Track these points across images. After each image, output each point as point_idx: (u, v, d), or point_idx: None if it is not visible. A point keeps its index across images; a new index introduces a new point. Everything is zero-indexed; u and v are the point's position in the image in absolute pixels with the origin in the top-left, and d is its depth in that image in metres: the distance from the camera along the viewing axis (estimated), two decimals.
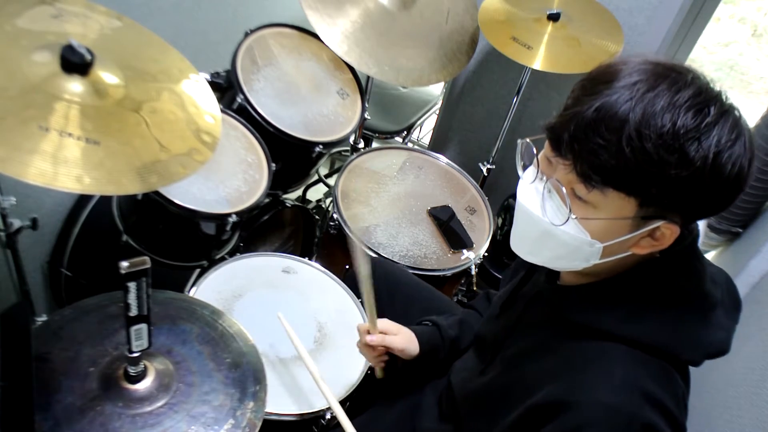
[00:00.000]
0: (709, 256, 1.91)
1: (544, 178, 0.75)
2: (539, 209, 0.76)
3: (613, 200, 0.69)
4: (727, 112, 0.66)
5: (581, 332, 0.78)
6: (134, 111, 0.92)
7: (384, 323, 1.08)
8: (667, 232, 0.71)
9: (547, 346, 0.83)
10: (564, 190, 0.72)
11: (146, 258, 0.70)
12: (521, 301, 0.93)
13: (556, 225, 0.74)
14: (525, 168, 0.81)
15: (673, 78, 0.66)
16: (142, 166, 0.87)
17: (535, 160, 0.78)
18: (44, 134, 0.81)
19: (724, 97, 0.68)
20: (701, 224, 1.67)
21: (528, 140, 0.79)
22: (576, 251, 0.75)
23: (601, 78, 0.69)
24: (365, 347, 1.07)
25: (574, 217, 0.72)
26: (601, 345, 0.75)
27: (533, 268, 0.95)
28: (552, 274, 0.89)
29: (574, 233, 0.73)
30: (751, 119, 1.61)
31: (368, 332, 1.04)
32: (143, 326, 0.78)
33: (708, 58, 3.83)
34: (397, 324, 1.09)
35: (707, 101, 0.66)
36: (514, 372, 0.86)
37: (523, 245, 0.82)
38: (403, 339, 1.07)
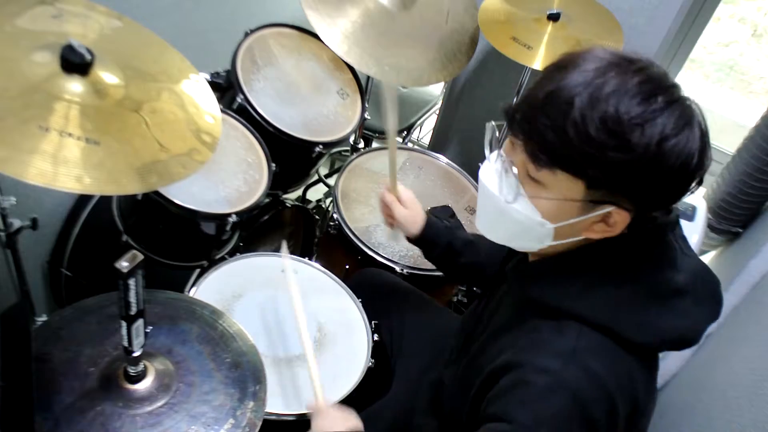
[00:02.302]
0: (709, 255, 1.91)
1: (504, 157, 0.78)
2: (496, 187, 0.79)
3: (562, 181, 0.72)
4: (676, 101, 0.67)
5: (536, 309, 0.80)
6: (134, 111, 0.92)
7: (405, 193, 1.20)
8: (618, 218, 0.73)
9: (510, 324, 0.85)
10: (515, 169, 0.75)
11: (136, 252, 0.70)
12: (493, 290, 0.97)
13: (509, 202, 0.77)
14: (492, 151, 0.84)
15: (624, 66, 0.68)
16: (142, 166, 0.87)
17: (500, 142, 0.82)
18: (44, 134, 0.81)
19: (676, 89, 0.69)
20: (701, 225, 1.68)
21: (493, 124, 0.83)
22: (528, 230, 0.78)
23: (561, 64, 0.72)
24: (380, 200, 1.20)
25: (522, 193, 0.75)
26: (553, 323, 0.77)
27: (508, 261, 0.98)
28: (523, 260, 0.92)
29: (525, 212, 0.76)
30: (751, 119, 1.62)
31: (388, 190, 1.18)
32: (141, 321, 0.78)
33: (708, 58, 3.82)
34: (415, 201, 1.20)
35: (655, 90, 0.67)
36: (483, 351, 0.88)
37: (484, 223, 0.87)
38: (407, 214, 1.18)
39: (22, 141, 0.79)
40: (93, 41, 0.96)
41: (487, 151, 0.85)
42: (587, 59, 0.70)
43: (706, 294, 0.80)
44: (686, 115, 0.68)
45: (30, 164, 0.77)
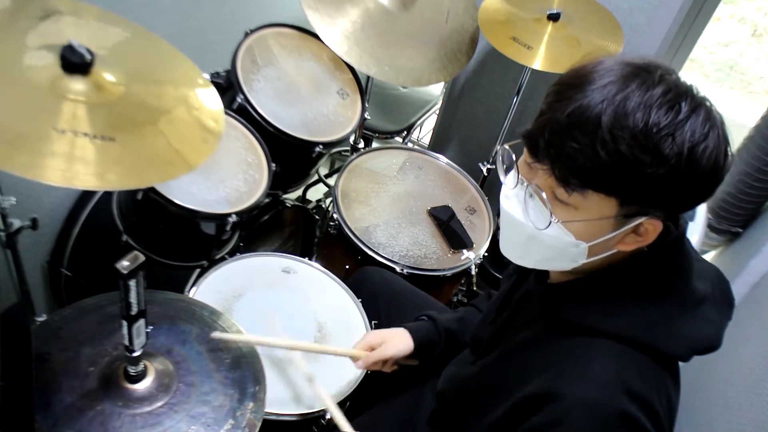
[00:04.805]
0: (709, 256, 1.91)
1: (525, 183, 0.76)
2: (522, 214, 0.77)
3: (594, 201, 0.70)
4: (699, 105, 0.67)
5: (569, 329, 0.79)
6: (143, 109, 0.92)
7: (366, 339, 1.12)
8: (650, 227, 0.72)
9: (536, 342, 0.84)
10: (544, 194, 0.73)
11: (138, 253, 0.70)
12: (514, 302, 0.95)
13: (540, 229, 0.75)
14: (507, 173, 0.82)
15: (643, 77, 0.67)
16: (157, 157, 0.87)
17: (515, 165, 0.79)
18: (60, 136, 0.80)
19: (695, 91, 0.68)
20: (701, 225, 1.68)
21: (507, 146, 0.80)
22: (562, 253, 0.76)
23: (574, 82, 0.70)
24: (366, 366, 1.11)
25: (556, 220, 0.73)
26: (587, 341, 0.76)
27: (525, 271, 0.96)
28: (541, 274, 0.91)
29: (558, 236, 0.74)
30: (751, 119, 1.62)
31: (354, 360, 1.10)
32: (142, 321, 0.78)
33: (708, 58, 3.83)
34: (378, 332, 1.13)
35: (678, 97, 0.66)
36: (505, 367, 0.88)
37: (512, 250, 0.83)
38: (391, 345, 1.10)
39: (39, 145, 0.78)
40: (105, 48, 0.95)
41: (502, 177, 0.82)
42: (601, 73, 0.69)
43: (722, 298, 0.81)
44: (711, 117, 0.67)
45: (48, 167, 0.77)
